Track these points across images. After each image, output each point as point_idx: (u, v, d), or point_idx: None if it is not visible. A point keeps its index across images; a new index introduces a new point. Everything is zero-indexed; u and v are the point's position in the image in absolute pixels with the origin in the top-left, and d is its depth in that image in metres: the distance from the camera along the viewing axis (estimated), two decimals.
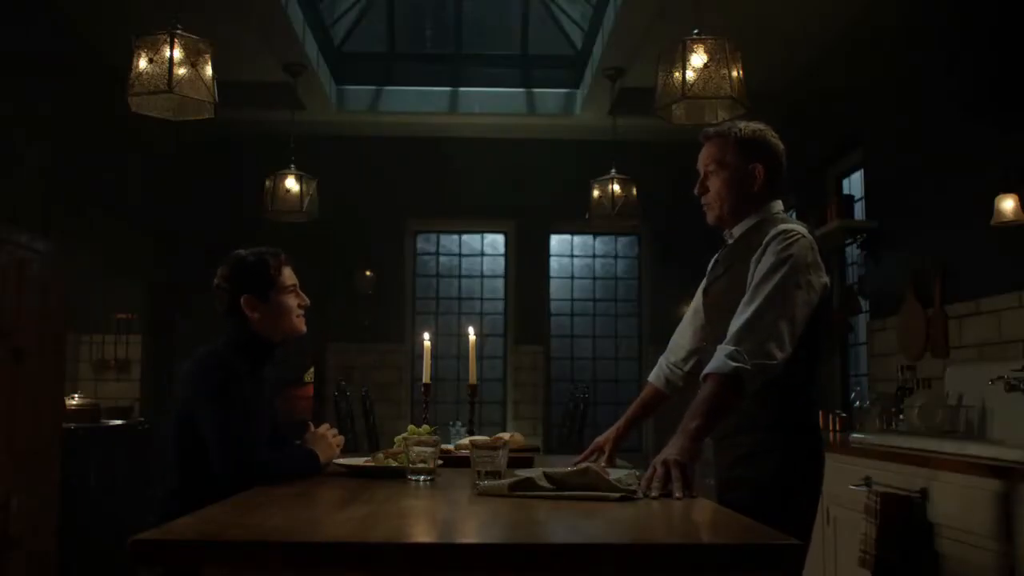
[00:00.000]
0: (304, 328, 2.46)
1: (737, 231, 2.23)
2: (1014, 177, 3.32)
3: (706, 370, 1.96)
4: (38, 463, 3.85)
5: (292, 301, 2.41)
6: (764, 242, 2.07)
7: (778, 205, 2.24)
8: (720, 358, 1.92)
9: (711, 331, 2.27)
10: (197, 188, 6.49)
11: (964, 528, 2.58)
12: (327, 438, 2.39)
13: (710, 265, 2.40)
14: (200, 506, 1.64)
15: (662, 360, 2.51)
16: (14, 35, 4.48)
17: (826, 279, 2.07)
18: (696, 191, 2.29)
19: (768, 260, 2.02)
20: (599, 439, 2.44)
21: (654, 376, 2.52)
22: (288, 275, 2.43)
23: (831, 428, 4.51)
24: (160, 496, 2.26)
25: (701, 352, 2.36)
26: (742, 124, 2.24)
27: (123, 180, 5.81)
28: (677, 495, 1.72)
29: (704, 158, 2.27)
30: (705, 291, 2.35)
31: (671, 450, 1.83)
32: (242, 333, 2.36)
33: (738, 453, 2.08)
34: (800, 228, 2.10)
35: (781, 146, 2.25)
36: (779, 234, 2.06)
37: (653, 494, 1.75)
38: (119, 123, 4.85)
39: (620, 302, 6.97)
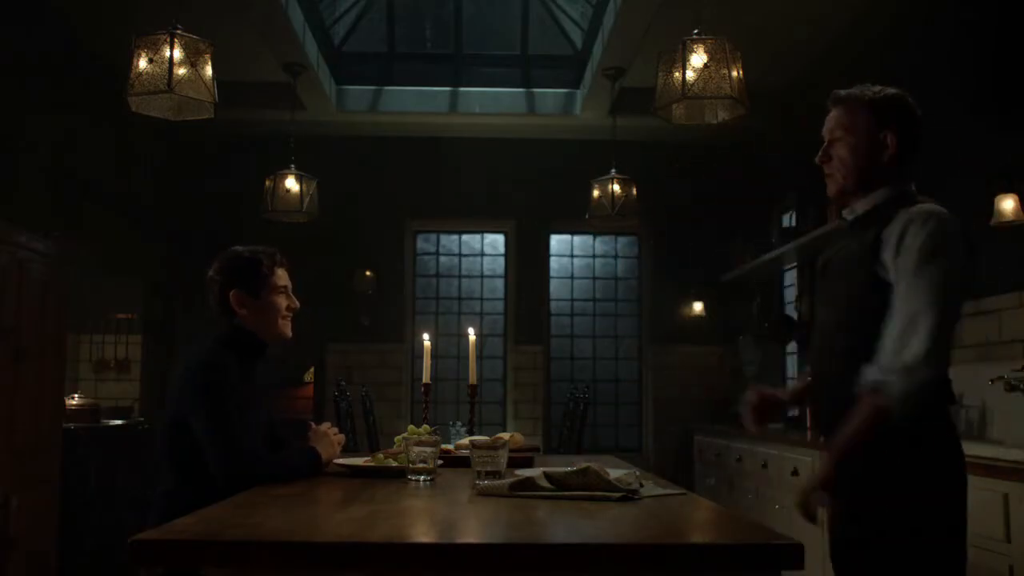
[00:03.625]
0: (289, 333, 2.43)
1: (860, 207, 1.99)
2: (1014, 177, 3.33)
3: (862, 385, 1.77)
4: (38, 463, 3.85)
5: (282, 302, 2.40)
6: (902, 226, 1.83)
7: (911, 185, 1.99)
8: (871, 376, 1.74)
9: (817, 326, 2.07)
10: (197, 188, 6.49)
11: None
12: (328, 436, 2.39)
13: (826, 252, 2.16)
14: (197, 507, 1.64)
15: None
16: (14, 35, 4.48)
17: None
18: (818, 159, 2.07)
19: (915, 252, 1.78)
20: (760, 394, 2.16)
21: None
22: (281, 276, 2.42)
23: None
24: (156, 497, 2.25)
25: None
26: (877, 87, 2.04)
27: (123, 180, 5.81)
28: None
29: (830, 123, 2.05)
30: (821, 275, 2.11)
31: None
32: (231, 330, 2.36)
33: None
34: (944, 211, 1.86)
35: (919, 114, 2.02)
36: (926, 217, 1.82)
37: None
38: (119, 123, 4.86)
39: (620, 302, 6.97)
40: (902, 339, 1.74)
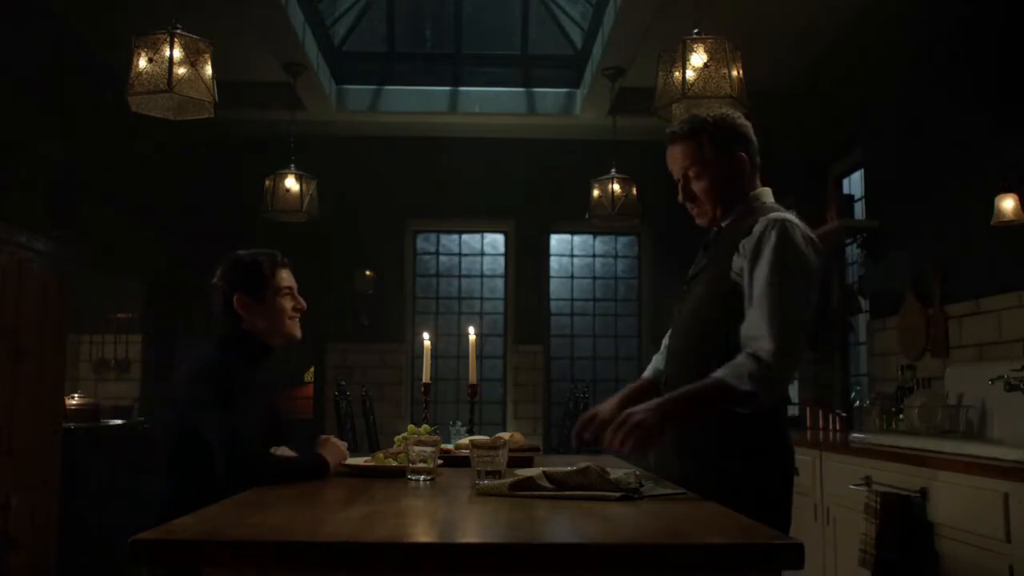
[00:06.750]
0: (299, 333, 2.43)
1: (725, 222, 2.10)
2: (1014, 177, 3.32)
3: (720, 374, 1.84)
4: (38, 463, 3.85)
5: (287, 303, 2.40)
6: (757, 233, 1.93)
7: (767, 193, 2.10)
8: (737, 367, 1.82)
9: (677, 330, 2.16)
10: (197, 188, 6.49)
11: (964, 528, 2.58)
12: (336, 444, 2.36)
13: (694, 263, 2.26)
14: (201, 507, 1.64)
15: (656, 358, 2.42)
16: (14, 35, 4.49)
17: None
18: (680, 199, 2.14)
19: (768, 259, 1.89)
20: (591, 412, 2.30)
21: (648, 372, 2.41)
22: (285, 277, 2.42)
23: (831, 428, 4.51)
24: (160, 498, 2.25)
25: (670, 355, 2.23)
26: (707, 115, 2.07)
27: (123, 180, 5.81)
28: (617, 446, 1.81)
29: (680, 161, 2.09)
30: (686, 286, 2.21)
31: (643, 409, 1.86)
32: (238, 333, 2.36)
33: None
34: (793, 216, 1.98)
35: (750, 125, 2.11)
36: (778, 225, 1.91)
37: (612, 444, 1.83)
38: (119, 123, 4.85)
39: (620, 302, 6.97)
40: (757, 340, 1.84)
